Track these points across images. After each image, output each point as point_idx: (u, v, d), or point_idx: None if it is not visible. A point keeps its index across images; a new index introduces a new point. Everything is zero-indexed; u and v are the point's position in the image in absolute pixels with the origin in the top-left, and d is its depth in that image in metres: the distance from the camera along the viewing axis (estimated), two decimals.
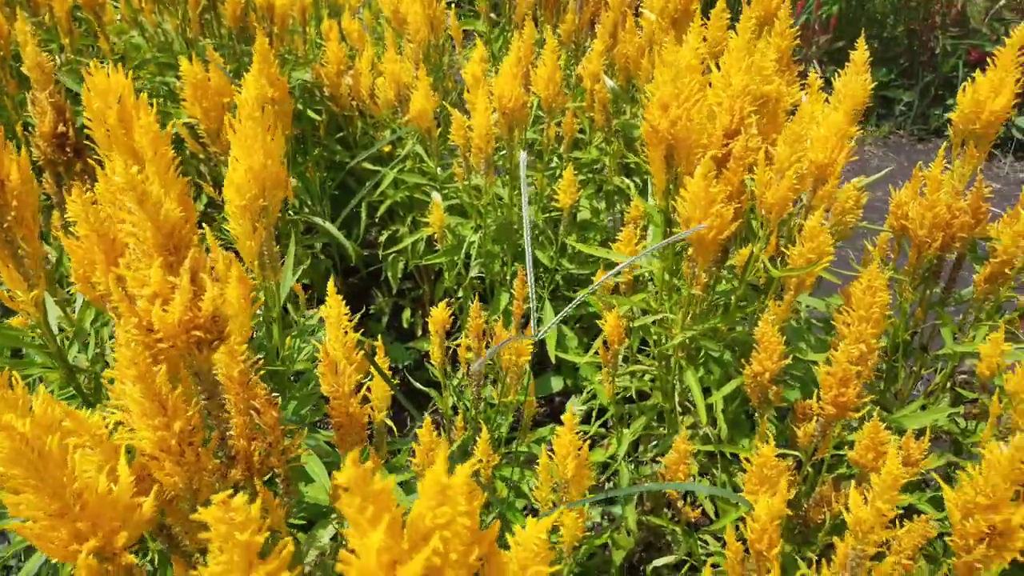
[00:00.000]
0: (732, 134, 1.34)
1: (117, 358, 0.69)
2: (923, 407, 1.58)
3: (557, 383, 2.30)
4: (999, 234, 1.56)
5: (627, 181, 2.11)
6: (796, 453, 1.31)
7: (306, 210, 2.27)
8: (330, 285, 0.97)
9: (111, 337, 1.33)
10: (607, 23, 2.09)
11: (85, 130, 1.24)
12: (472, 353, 1.43)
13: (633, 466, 1.71)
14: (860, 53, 1.67)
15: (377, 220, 2.52)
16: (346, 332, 0.98)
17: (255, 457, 0.88)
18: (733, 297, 1.45)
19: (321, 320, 1.61)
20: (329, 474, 1.15)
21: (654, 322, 1.45)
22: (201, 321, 0.69)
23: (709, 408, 1.45)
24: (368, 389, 1.14)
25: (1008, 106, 1.53)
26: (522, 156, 1.29)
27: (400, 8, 2.34)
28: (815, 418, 1.28)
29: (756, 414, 1.40)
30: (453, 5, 2.78)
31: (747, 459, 1.15)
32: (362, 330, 2.46)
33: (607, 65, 2.07)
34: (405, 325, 2.67)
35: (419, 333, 2.66)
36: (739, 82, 1.32)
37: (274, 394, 0.89)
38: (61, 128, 1.60)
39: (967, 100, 1.56)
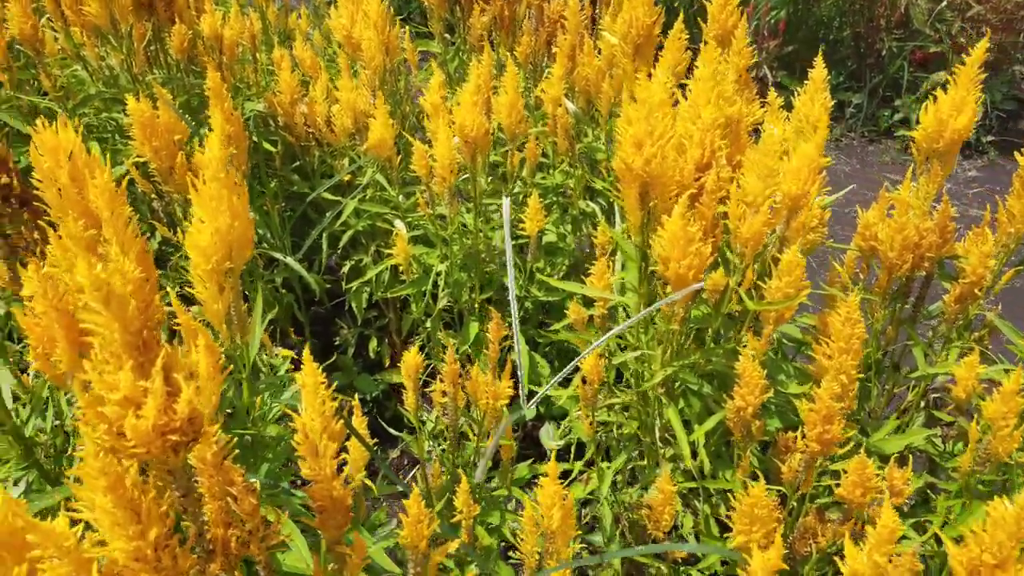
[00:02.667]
0: (704, 167, 1.33)
1: (84, 469, 0.64)
2: (898, 428, 1.58)
3: (530, 412, 2.27)
4: (966, 252, 1.58)
5: (592, 205, 2.09)
6: (781, 488, 1.30)
7: (266, 245, 2.20)
8: (305, 354, 0.93)
9: (70, 403, 1.26)
10: (565, 46, 2.07)
11: (32, 178, 1.17)
12: (448, 399, 1.39)
13: (612, 495, 1.69)
14: (819, 71, 1.66)
15: (339, 250, 2.47)
16: (323, 401, 0.93)
17: (232, 545, 0.84)
18: (710, 329, 1.44)
19: (293, 364, 1.56)
20: (308, 542, 1.10)
21: (634, 358, 1.43)
22: (177, 424, 0.64)
23: (691, 443, 1.44)
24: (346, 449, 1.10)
25: (970, 124, 1.54)
26: (505, 203, 1.26)
27: (353, 33, 2.29)
28: (798, 453, 1.27)
29: (737, 447, 1.39)
30: (406, 26, 2.74)
31: (731, 492, 1.13)
32: (331, 359, 2.37)
33: (566, 88, 2.05)
34: (372, 355, 2.61)
35: (386, 363, 2.61)
36: (709, 115, 1.31)
37: (245, 461, 0.84)
38: (4, 179, 1.53)
39: (929, 119, 1.57)
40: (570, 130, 1.99)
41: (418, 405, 1.47)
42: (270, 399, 1.29)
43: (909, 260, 1.54)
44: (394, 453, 2.47)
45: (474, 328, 2.13)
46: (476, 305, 2.15)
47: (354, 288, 2.47)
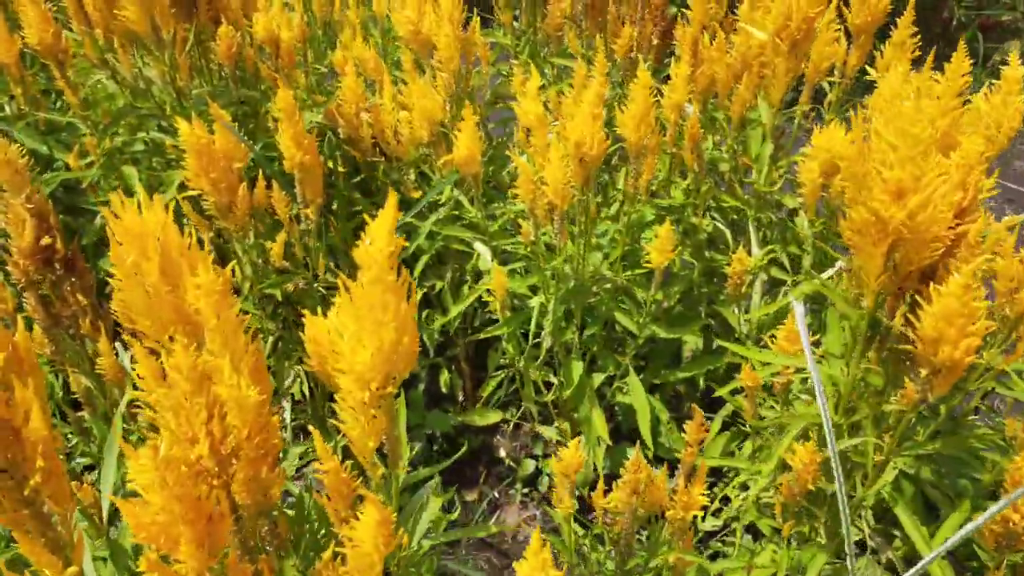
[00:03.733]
0: (962, 213, 1.04)
1: None
2: None
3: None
4: None
5: (720, 226, 1.79)
6: None
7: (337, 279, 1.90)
8: None
9: None
10: (686, 40, 1.75)
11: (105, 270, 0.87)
12: (624, 505, 1.10)
13: None
14: (1013, 70, 1.39)
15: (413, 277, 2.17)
16: None
17: None
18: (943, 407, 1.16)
19: None
20: None
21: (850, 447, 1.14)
22: None
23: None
24: None
25: None
26: (799, 309, 0.96)
27: (422, 28, 1.97)
28: None
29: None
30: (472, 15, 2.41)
31: None
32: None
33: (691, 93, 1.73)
34: (444, 388, 2.32)
35: (460, 397, 2.32)
36: (973, 146, 1.01)
37: None
38: (45, 240, 1.22)
39: None
40: (700, 142, 1.68)
41: (571, 513, 1.18)
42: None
43: None
44: (470, 496, 2.20)
45: (577, 369, 1.84)
46: (579, 342, 1.86)
47: (424, 316, 2.18)
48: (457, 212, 2.03)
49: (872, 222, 0.97)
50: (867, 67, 1.76)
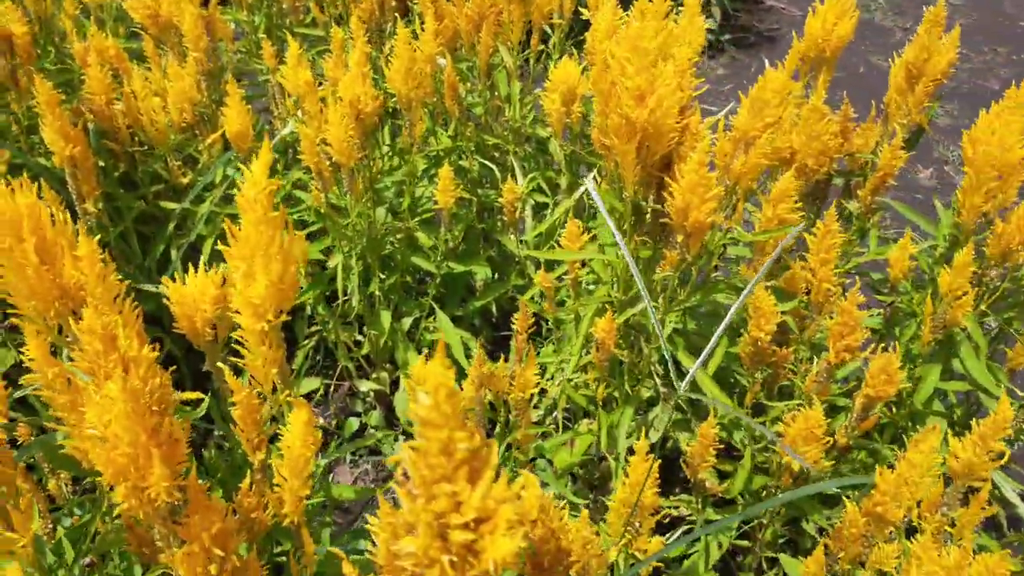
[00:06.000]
0: (683, 110, 1.32)
1: None
2: None
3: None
4: (862, 148, 1.74)
5: (489, 165, 2.01)
6: None
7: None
8: None
9: None
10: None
11: None
12: (473, 400, 1.28)
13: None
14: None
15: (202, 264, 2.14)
16: None
17: None
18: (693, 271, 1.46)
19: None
20: None
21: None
22: None
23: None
24: None
25: (852, 31, 1.67)
26: (590, 184, 1.15)
27: (161, 11, 1.94)
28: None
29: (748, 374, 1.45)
30: None
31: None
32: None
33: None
34: None
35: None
36: (683, 55, 1.29)
37: None
38: None
39: (815, 26, 1.67)
40: (457, 89, 1.86)
41: None
42: None
43: (825, 164, 1.66)
44: None
45: (387, 318, 1.98)
46: (386, 291, 1.99)
47: None
48: (232, 192, 2.05)
49: (623, 124, 1.21)
50: (580, 8, 2.05)
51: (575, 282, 1.56)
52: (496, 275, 2.19)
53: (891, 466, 1.11)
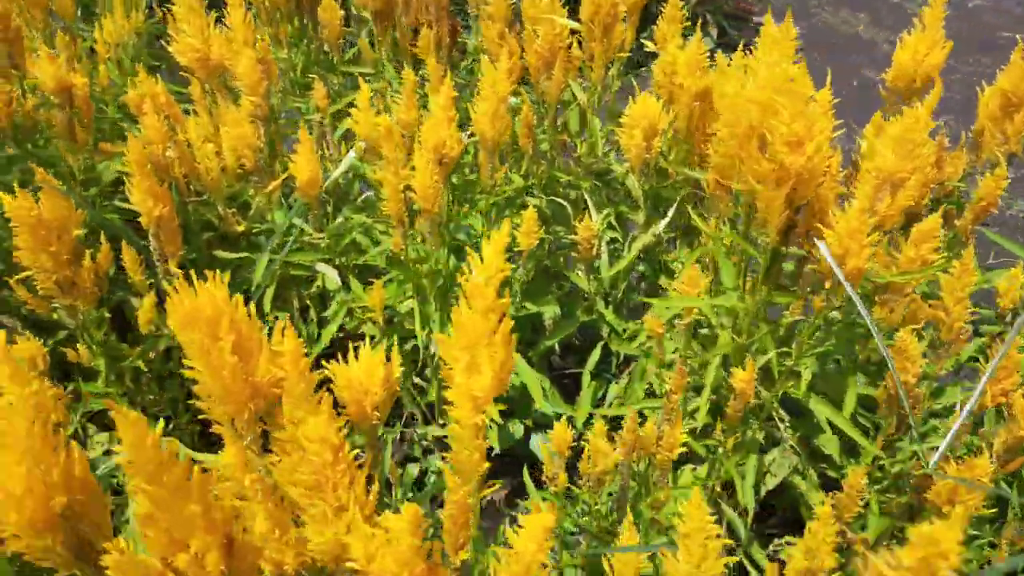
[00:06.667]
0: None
1: None
2: None
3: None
4: (950, 176, 1.71)
5: (560, 202, 1.95)
6: None
7: None
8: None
9: None
10: (491, 35, 1.85)
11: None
12: (623, 461, 1.20)
13: None
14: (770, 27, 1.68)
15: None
16: None
17: None
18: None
19: None
20: None
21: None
22: None
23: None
24: None
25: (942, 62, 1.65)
26: (822, 246, 1.09)
27: (211, 54, 1.85)
28: None
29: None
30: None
31: None
32: None
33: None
34: None
35: None
36: (823, 96, 1.24)
37: None
38: None
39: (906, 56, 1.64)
40: (533, 128, 1.80)
41: None
42: None
43: (926, 194, 1.63)
44: None
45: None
46: None
47: None
48: (290, 238, 1.95)
49: (774, 170, 1.16)
50: (643, 41, 2.00)
51: (689, 326, 1.50)
52: (562, 311, 2.12)
53: None
